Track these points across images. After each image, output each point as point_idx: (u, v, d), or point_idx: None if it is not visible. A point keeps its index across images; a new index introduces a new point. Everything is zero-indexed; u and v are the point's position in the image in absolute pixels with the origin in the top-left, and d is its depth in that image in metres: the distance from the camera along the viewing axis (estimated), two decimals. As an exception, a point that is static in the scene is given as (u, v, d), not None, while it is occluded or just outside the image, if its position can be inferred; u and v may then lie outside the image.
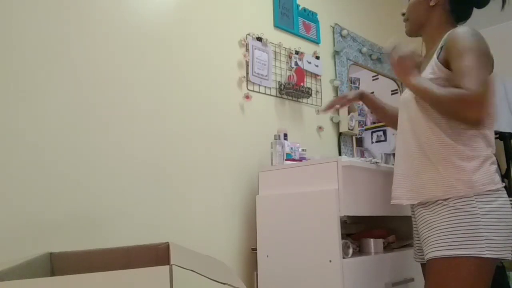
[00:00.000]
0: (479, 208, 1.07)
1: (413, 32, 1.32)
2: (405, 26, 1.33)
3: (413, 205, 1.26)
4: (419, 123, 1.20)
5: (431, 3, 1.24)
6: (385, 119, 1.56)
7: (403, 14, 1.31)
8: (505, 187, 1.15)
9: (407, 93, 1.27)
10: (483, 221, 1.06)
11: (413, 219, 1.32)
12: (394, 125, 1.47)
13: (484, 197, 1.09)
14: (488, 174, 1.11)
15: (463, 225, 1.07)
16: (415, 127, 1.21)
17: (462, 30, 1.14)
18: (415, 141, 1.21)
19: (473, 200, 1.08)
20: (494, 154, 1.16)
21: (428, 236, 1.14)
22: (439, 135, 1.15)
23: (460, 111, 1.06)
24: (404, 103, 1.28)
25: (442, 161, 1.14)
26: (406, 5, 1.33)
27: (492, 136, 1.19)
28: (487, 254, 1.04)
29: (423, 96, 1.14)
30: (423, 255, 1.25)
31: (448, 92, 1.08)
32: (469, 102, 1.04)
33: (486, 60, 1.10)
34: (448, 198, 1.12)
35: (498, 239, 1.05)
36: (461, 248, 1.06)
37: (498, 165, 1.41)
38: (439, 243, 1.10)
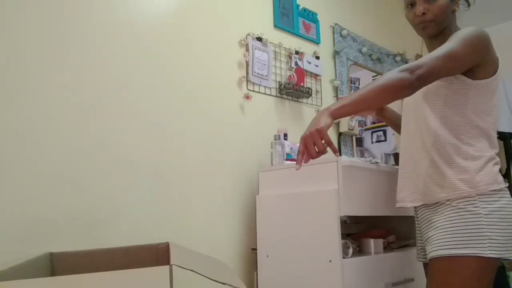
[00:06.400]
0: (482, 207, 1.08)
1: (437, 33, 1.23)
2: (428, 26, 1.21)
3: (416, 206, 1.26)
4: (426, 123, 1.19)
5: (455, 8, 1.23)
6: (394, 125, 1.56)
7: (424, 14, 1.20)
8: (507, 187, 1.15)
9: (415, 94, 1.26)
10: (485, 221, 1.06)
11: (416, 219, 1.32)
12: (399, 129, 1.47)
13: (487, 197, 1.09)
14: (491, 174, 1.11)
15: (465, 225, 1.08)
16: (421, 126, 1.21)
17: (466, 28, 1.13)
18: (420, 142, 1.21)
19: (476, 200, 1.09)
20: (497, 154, 1.16)
21: (431, 235, 1.14)
22: (446, 134, 1.15)
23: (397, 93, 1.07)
24: (411, 104, 1.27)
25: (445, 161, 1.14)
26: (422, 5, 1.20)
27: (495, 136, 1.19)
28: (489, 253, 1.04)
29: (361, 102, 1.08)
30: (425, 254, 1.25)
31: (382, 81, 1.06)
32: (398, 87, 1.05)
33: (468, 48, 1.09)
34: (451, 199, 1.12)
35: (500, 239, 1.05)
36: (463, 248, 1.06)
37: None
38: (441, 242, 1.10)
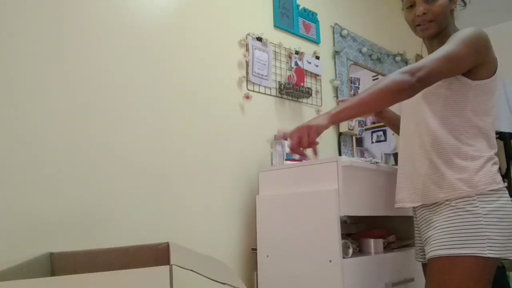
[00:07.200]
0: (481, 207, 1.08)
1: (437, 33, 1.23)
2: (428, 28, 1.21)
3: (415, 206, 1.27)
4: (425, 123, 1.20)
5: (453, 7, 1.23)
6: (393, 126, 1.56)
7: (424, 14, 1.20)
8: (506, 187, 1.15)
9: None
10: (484, 221, 1.06)
11: (414, 219, 1.32)
12: (397, 130, 1.48)
13: (486, 197, 1.09)
14: (490, 174, 1.11)
15: (464, 225, 1.08)
16: (421, 127, 1.21)
17: (465, 29, 1.14)
18: (419, 142, 1.21)
19: (475, 200, 1.09)
20: (496, 154, 1.16)
21: (430, 236, 1.15)
22: (445, 135, 1.15)
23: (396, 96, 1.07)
24: (411, 105, 1.28)
25: (444, 161, 1.14)
26: (422, 5, 1.20)
27: (494, 137, 1.19)
28: (488, 253, 1.04)
29: (362, 105, 1.09)
30: (424, 254, 1.25)
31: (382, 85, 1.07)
32: (399, 90, 1.06)
33: (468, 49, 1.09)
34: (450, 199, 1.12)
35: (499, 238, 1.05)
36: (462, 247, 1.06)
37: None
38: (440, 242, 1.10)
